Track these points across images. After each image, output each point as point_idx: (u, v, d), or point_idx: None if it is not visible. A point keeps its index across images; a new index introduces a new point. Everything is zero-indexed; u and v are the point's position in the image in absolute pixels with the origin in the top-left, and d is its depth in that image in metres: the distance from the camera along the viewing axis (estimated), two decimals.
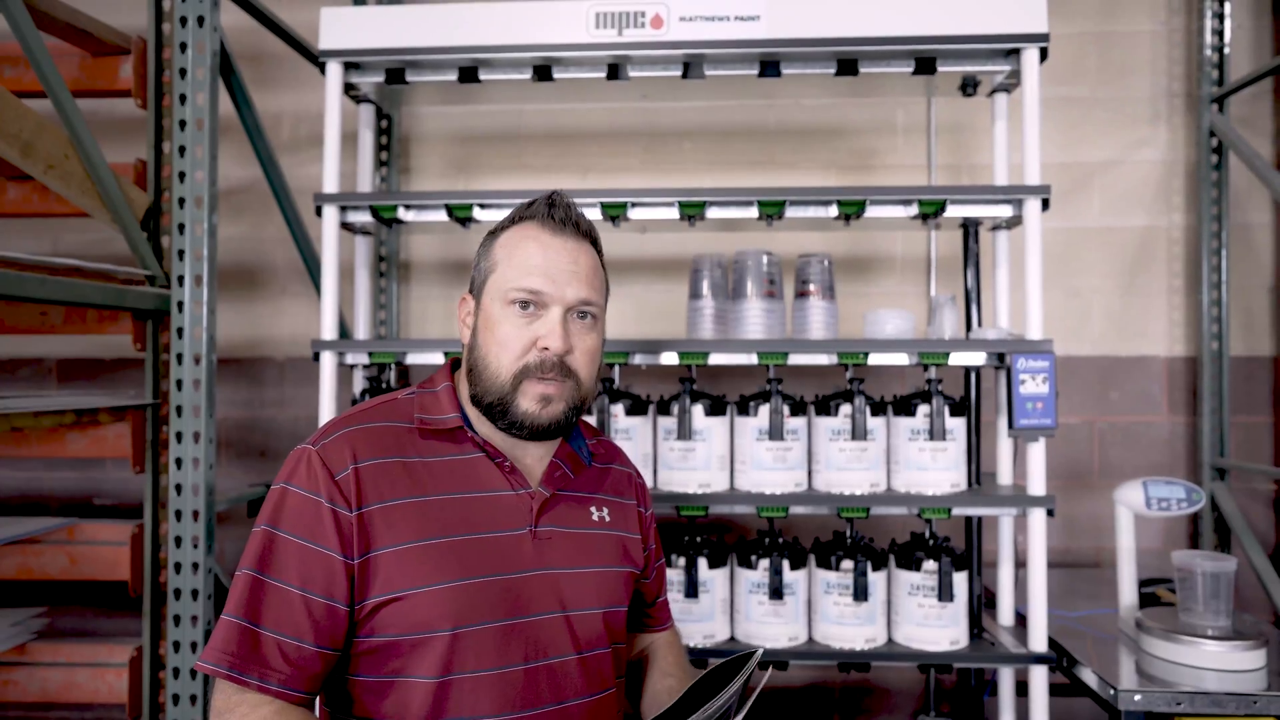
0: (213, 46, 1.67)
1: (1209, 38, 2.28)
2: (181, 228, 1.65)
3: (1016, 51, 1.74)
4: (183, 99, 1.65)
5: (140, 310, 1.63)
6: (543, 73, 1.82)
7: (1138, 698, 1.46)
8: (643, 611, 1.20)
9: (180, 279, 1.66)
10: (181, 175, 1.65)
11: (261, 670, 0.88)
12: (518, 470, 1.02)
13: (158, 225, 1.71)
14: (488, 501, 0.99)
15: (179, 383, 1.64)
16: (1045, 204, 1.70)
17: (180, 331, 1.64)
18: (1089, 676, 1.57)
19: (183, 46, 1.65)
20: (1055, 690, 1.74)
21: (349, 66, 1.83)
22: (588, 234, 1.06)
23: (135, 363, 2.45)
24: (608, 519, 1.10)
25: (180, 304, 1.65)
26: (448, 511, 0.96)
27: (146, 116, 1.74)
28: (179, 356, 1.64)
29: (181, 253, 1.66)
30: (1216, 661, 1.53)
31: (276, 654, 0.89)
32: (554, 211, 1.03)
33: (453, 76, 1.84)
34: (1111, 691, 1.48)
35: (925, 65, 1.77)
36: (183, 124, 1.65)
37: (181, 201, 1.66)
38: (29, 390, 2.53)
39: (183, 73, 1.65)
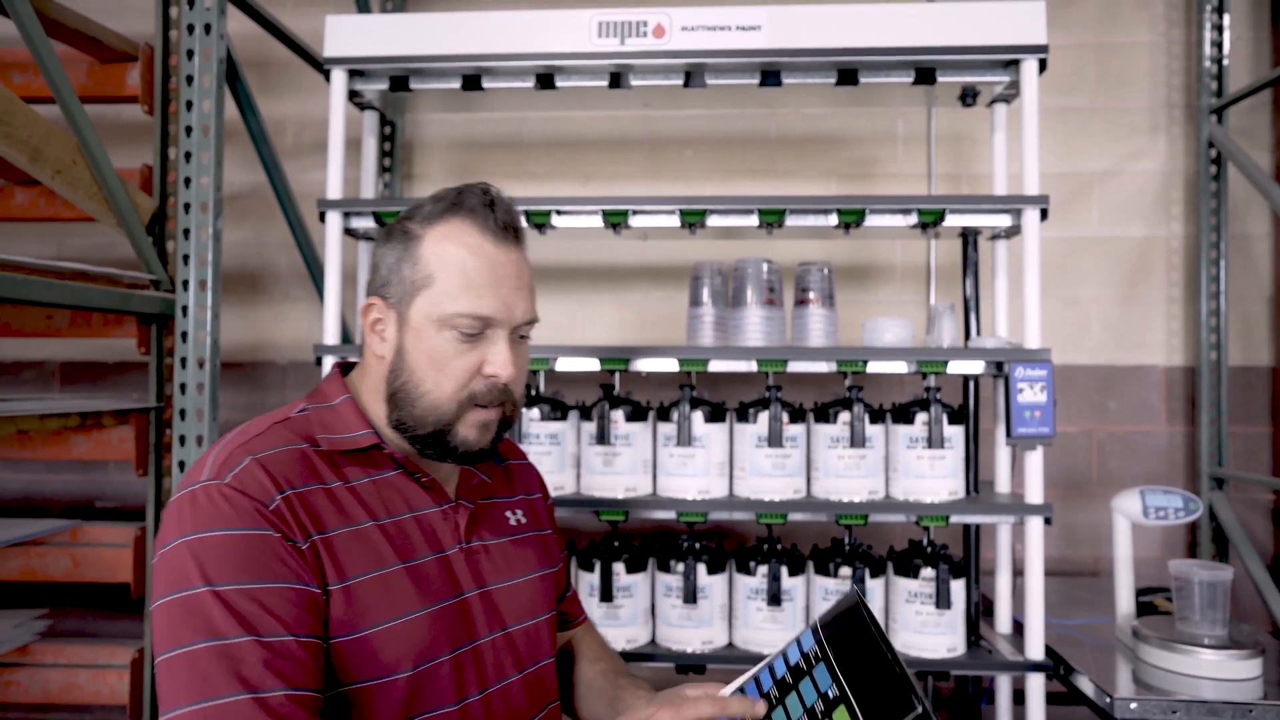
0: (219, 54, 1.69)
1: (1208, 49, 2.30)
2: (187, 233, 1.67)
3: (1016, 62, 1.75)
4: (189, 105, 1.67)
5: (145, 314, 1.65)
6: (545, 81, 1.84)
7: (1134, 705, 1.46)
8: (558, 608, 1.12)
9: (185, 283, 1.67)
10: (187, 181, 1.67)
11: None
12: (437, 484, 0.93)
13: (163, 230, 1.72)
14: (418, 522, 0.90)
15: (182, 386, 1.65)
16: (1044, 214, 1.71)
17: (184, 335, 1.65)
18: (1086, 684, 1.57)
19: (189, 54, 1.67)
20: (1052, 699, 1.74)
21: (353, 74, 1.85)
22: (523, 237, 0.94)
23: (138, 366, 2.46)
24: (524, 521, 1.04)
25: (184, 308, 1.66)
26: (385, 538, 0.85)
27: (153, 122, 1.76)
28: (183, 360, 1.65)
29: (186, 257, 1.67)
30: (1213, 670, 1.53)
31: (292, 709, 0.73)
32: (496, 214, 0.90)
33: (456, 84, 1.85)
34: (1108, 699, 1.48)
35: (925, 75, 1.79)
36: (189, 130, 1.67)
37: (187, 207, 1.67)
38: (33, 393, 2.54)
39: (189, 79, 1.67)
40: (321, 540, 0.81)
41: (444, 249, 0.88)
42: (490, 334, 0.89)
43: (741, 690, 0.87)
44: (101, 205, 1.59)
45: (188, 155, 1.67)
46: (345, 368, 0.99)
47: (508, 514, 1.02)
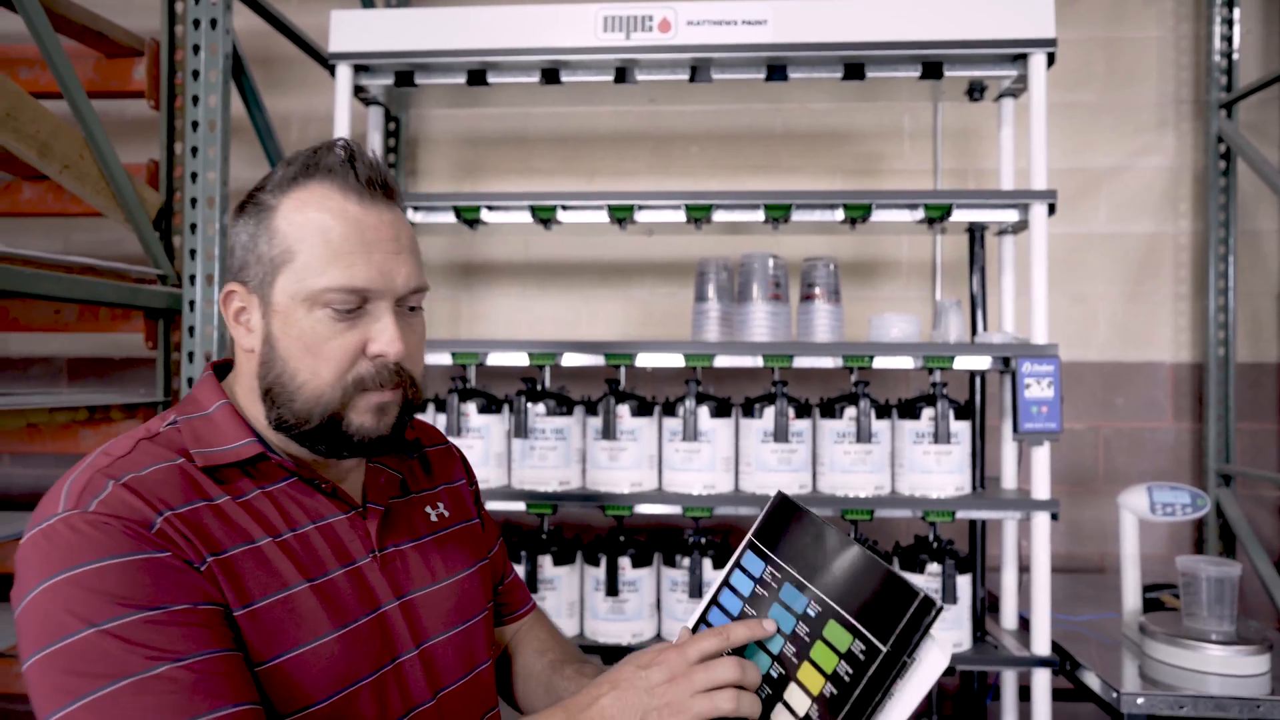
0: (225, 49, 1.70)
1: (1218, 43, 2.28)
2: (194, 227, 1.67)
3: (1024, 56, 1.74)
4: (195, 100, 1.67)
5: (152, 309, 1.65)
6: (551, 76, 1.84)
7: (1140, 700, 1.46)
8: (494, 600, 1.02)
9: (192, 278, 1.68)
10: (194, 176, 1.67)
11: None
12: (339, 489, 0.82)
13: (169, 225, 1.73)
14: (322, 534, 0.79)
15: (190, 380, 1.66)
16: (1052, 209, 1.71)
17: (191, 330, 1.66)
18: (1092, 680, 1.57)
19: (195, 49, 1.67)
20: (1058, 695, 1.74)
21: (359, 69, 1.85)
22: (394, 192, 0.81)
23: (144, 362, 2.47)
24: (446, 514, 0.94)
25: (191, 303, 1.67)
26: (286, 555, 0.75)
27: (159, 118, 1.76)
28: (190, 355, 1.66)
29: (193, 252, 1.67)
30: (1220, 666, 1.53)
31: None
32: (358, 169, 0.78)
33: (461, 79, 1.85)
34: (1115, 694, 1.48)
35: (932, 70, 1.78)
36: (195, 125, 1.67)
37: (194, 202, 1.68)
38: (40, 388, 2.55)
39: (195, 74, 1.67)
40: (217, 562, 0.70)
41: (301, 217, 0.76)
42: (371, 308, 0.77)
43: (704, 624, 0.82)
44: (109, 200, 1.60)
45: (194, 150, 1.67)
46: (222, 369, 0.86)
47: (427, 509, 0.92)
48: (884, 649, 0.69)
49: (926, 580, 1.70)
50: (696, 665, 0.74)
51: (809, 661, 0.74)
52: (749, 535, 0.85)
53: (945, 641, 0.70)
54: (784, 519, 0.83)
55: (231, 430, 0.78)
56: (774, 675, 0.76)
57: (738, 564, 0.84)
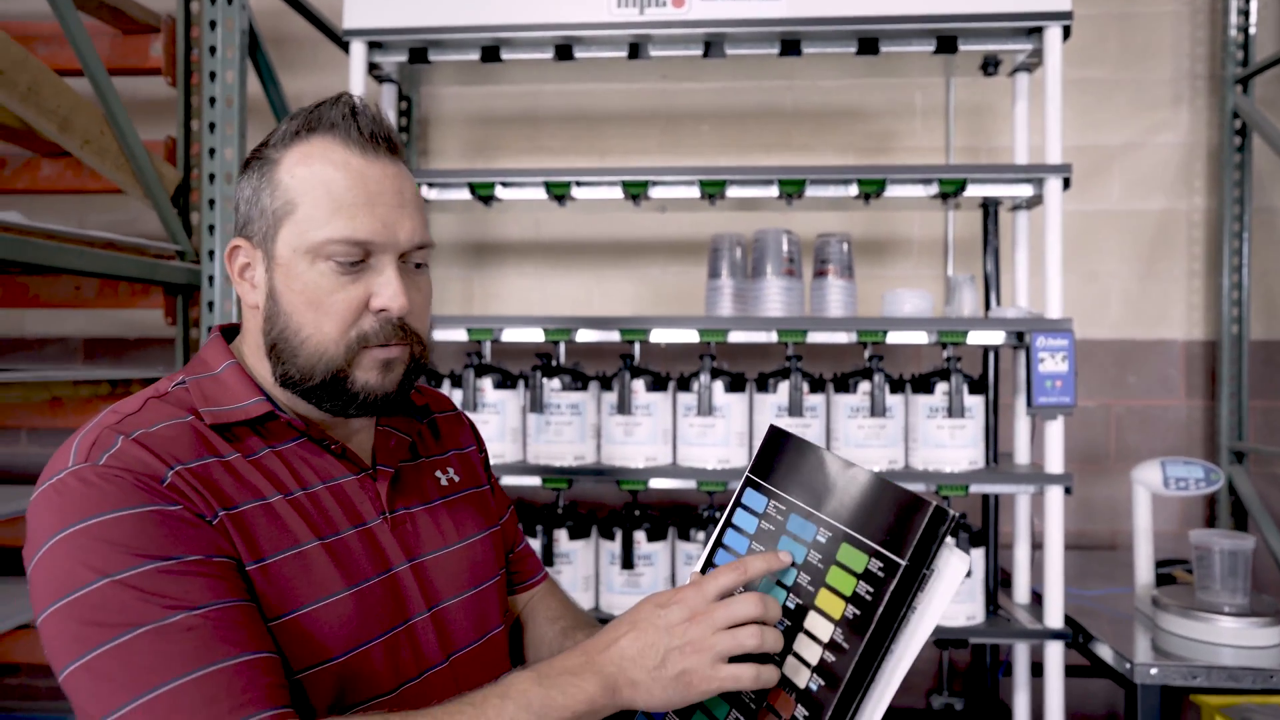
0: (241, 24, 1.70)
1: (1234, 18, 2.27)
2: (212, 203, 1.68)
3: (1039, 30, 1.74)
4: (212, 76, 1.68)
5: (172, 285, 1.66)
6: (564, 52, 1.84)
7: (1154, 671, 1.47)
8: (506, 568, 1.00)
9: (210, 253, 1.69)
10: (211, 151, 1.68)
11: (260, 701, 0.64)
12: (349, 450, 0.82)
13: (187, 202, 1.74)
14: (332, 494, 0.79)
15: None
16: (1067, 183, 1.70)
17: (211, 305, 1.67)
18: (1105, 652, 1.58)
19: (212, 24, 1.68)
20: (1070, 671, 1.75)
21: (373, 46, 1.85)
22: (398, 148, 0.81)
23: (159, 342, 2.49)
24: (456, 479, 0.93)
25: (210, 278, 1.68)
26: (297, 512, 0.75)
27: (173, 95, 1.77)
28: (209, 329, 1.67)
29: (212, 227, 1.69)
30: (1233, 638, 1.54)
31: (270, 674, 0.66)
32: (360, 121, 0.77)
33: (475, 56, 1.85)
34: (1128, 665, 1.49)
35: (947, 44, 1.77)
36: (212, 101, 1.68)
37: (211, 177, 1.69)
38: (57, 368, 2.58)
39: (212, 50, 1.68)
40: (229, 517, 0.70)
41: (304, 169, 0.76)
42: (374, 262, 0.77)
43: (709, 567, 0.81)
44: (128, 176, 1.61)
45: (211, 126, 1.68)
46: (230, 331, 0.86)
47: (437, 474, 0.91)
48: (903, 562, 0.69)
49: None
50: (716, 603, 0.72)
51: (826, 587, 0.73)
52: (746, 473, 0.83)
53: (962, 550, 0.70)
54: (780, 451, 0.81)
55: (240, 389, 0.78)
56: (790, 607, 0.75)
57: (739, 503, 0.83)
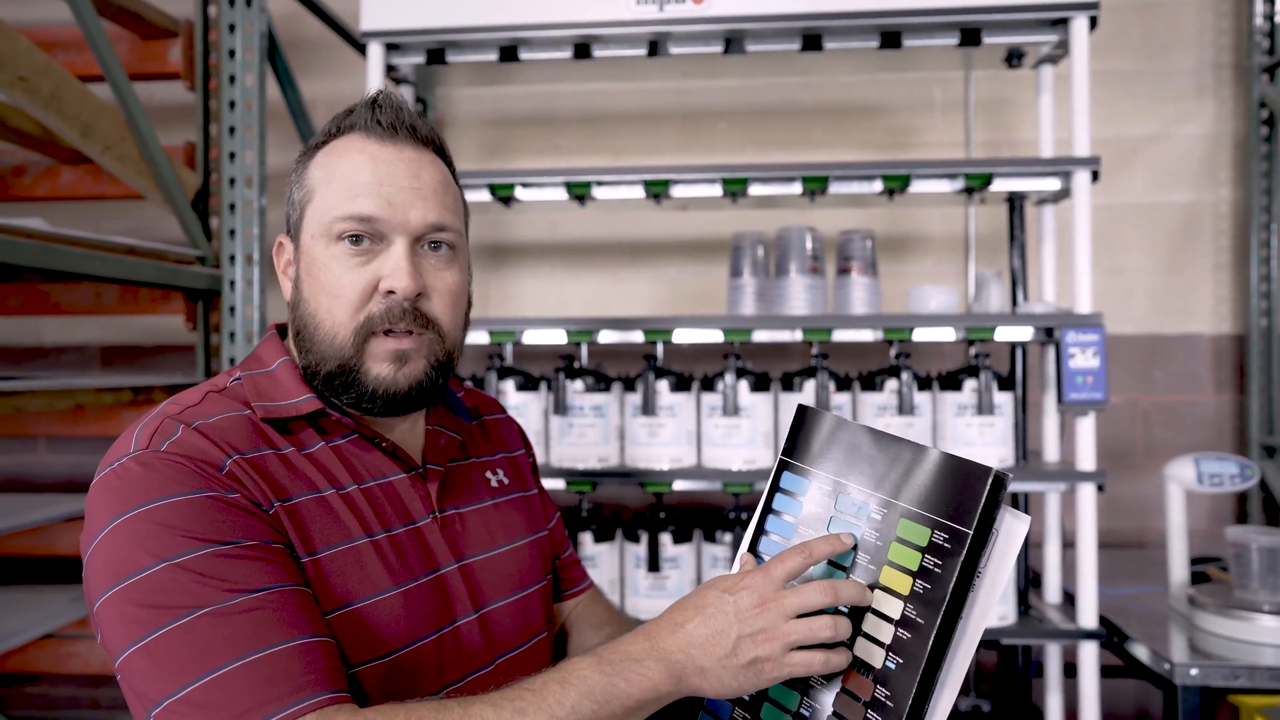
0: (260, 27, 1.69)
1: (1259, 6, 2.23)
2: (232, 207, 1.67)
3: (1064, 21, 1.71)
4: (231, 80, 1.67)
5: (192, 290, 1.66)
6: (582, 51, 1.82)
7: (1194, 672, 1.44)
8: (553, 574, 1.00)
9: (231, 258, 1.68)
10: (231, 156, 1.68)
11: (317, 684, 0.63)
12: (400, 448, 0.82)
13: (206, 207, 1.73)
14: (384, 491, 0.79)
15: (231, 360, 1.66)
16: (1095, 175, 1.68)
17: (232, 310, 1.66)
18: (1141, 652, 1.55)
19: (230, 28, 1.67)
20: (1102, 672, 1.72)
21: (390, 48, 1.84)
22: (430, 140, 0.82)
23: (176, 349, 2.48)
24: (505, 481, 0.93)
25: (231, 283, 1.67)
26: (349, 508, 0.75)
27: (191, 100, 1.76)
28: (230, 335, 1.66)
29: (233, 232, 1.68)
30: (1273, 637, 1.51)
31: (330, 657, 0.66)
32: (380, 113, 0.78)
33: (493, 56, 1.84)
34: (1167, 666, 1.46)
35: (970, 37, 1.75)
36: (232, 105, 1.67)
37: (232, 182, 1.68)
38: (75, 376, 2.58)
39: (231, 54, 1.67)
40: (284, 508, 0.71)
41: (328, 160, 0.79)
42: (383, 244, 0.76)
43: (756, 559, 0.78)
44: (149, 181, 1.60)
45: (231, 130, 1.67)
46: (285, 329, 0.86)
47: (487, 474, 0.91)
48: (970, 532, 0.68)
49: None
50: (785, 590, 0.70)
51: (889, 565, 0.71)
52: (780, 456, 0.81)
53: (1016, 510, 0.70)
54: (813, 430, 0.79)
55: (292, 385, 0.79)
56: None
57: (777, 487, 0.80)
